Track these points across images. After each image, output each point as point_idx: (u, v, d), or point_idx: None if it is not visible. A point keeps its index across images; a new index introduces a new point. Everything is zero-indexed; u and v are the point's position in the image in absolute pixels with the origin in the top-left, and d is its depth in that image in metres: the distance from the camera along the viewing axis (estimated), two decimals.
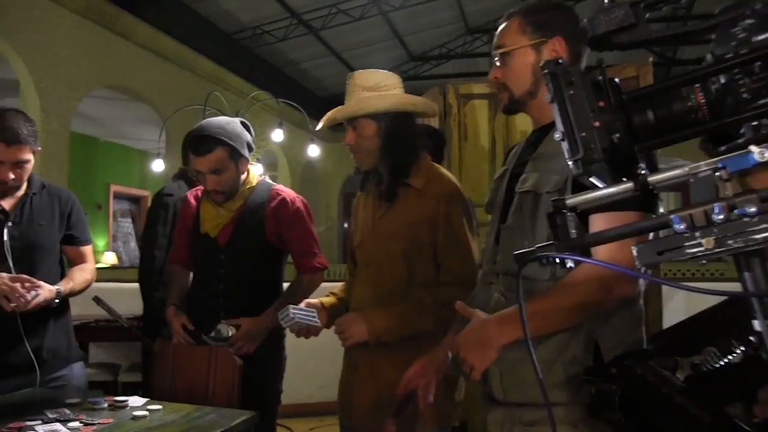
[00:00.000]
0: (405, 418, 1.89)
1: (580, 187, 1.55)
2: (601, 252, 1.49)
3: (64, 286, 2.54)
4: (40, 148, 2.61)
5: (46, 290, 2.42)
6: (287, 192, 2.82)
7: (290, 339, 3.34)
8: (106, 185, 13.85)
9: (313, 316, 2.34)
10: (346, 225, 18.22)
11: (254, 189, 2.77)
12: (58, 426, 1.87)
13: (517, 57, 1.73)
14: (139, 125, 12.89)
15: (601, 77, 0.98)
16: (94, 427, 1.86)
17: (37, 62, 7.63)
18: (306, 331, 2.37)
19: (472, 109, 4.05)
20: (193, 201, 2.84)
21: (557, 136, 0.97)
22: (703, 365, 1.04)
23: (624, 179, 0.94)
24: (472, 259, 2.26)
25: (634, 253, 0.88)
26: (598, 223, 1.52)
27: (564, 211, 0.97)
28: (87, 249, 2.78)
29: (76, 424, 1.91)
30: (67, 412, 2.02)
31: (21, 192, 2.62)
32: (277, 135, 5.62)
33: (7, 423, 1.89)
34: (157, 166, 7.37)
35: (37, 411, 2.02)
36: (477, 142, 4.04)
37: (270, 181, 2.95)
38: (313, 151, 5.78)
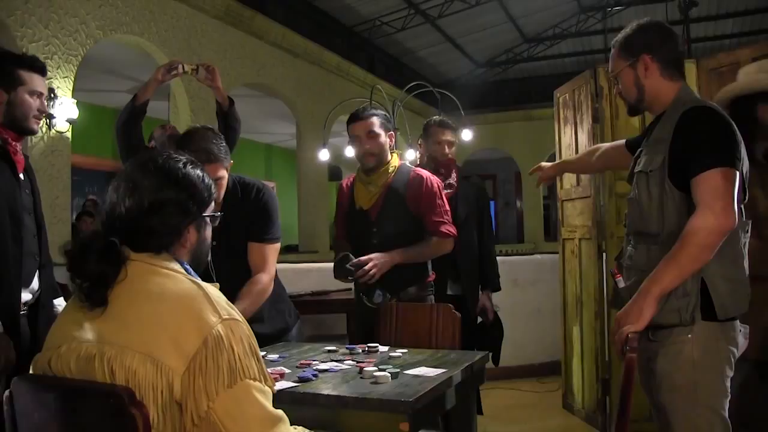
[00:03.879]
0: None
1: (677, 165, 2.11)
2: (708, 188, 1.98)
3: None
4: (231, 162, 2.66)
5: None
6: (425, 172, 3.29)
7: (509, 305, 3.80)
8: None
9: None
10: None
11: (398, 169, 3.25)
12: (334, 365, 2.34)
13: (623, 77, 2.29)
14: (266, 120, 13.63)
15: None
16: (364, 364, 2.31)
17: None
18: None
19: None
20: (345, 186, 3.40)
21: None
22: None
23: None
24: None
25: None
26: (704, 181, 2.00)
27: None
28: (269, 248, 2.74)
29: (350, 361, 2.38)
30: (340, 354, 2.50)
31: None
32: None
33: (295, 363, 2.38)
34: (323, 155, 7.89)
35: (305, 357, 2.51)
36: (627, 121, 4.29)
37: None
38: (467, 135, 6.14)
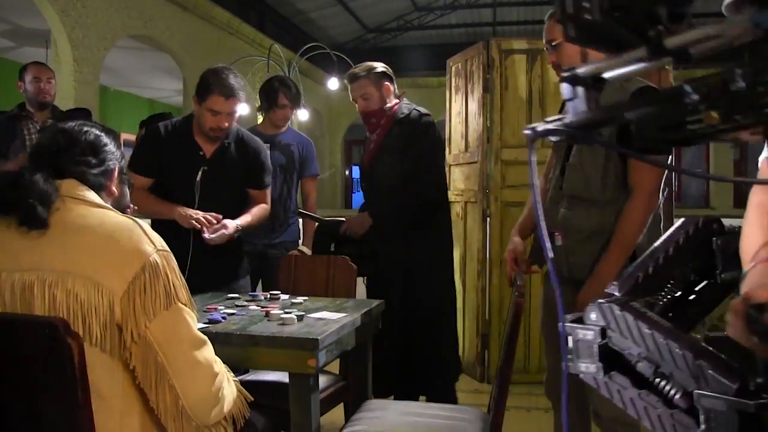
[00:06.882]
0: None
1: (626, 133, 2.26)
2: (648, 173, 2.24)
3: (243, 221, 2.97)
4: (243, 102, 3.03)
5: (231, 228, 2.86)
6: None
7: None
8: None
9: None
10: (347, 172, 18.81)
11: None
12: (239, 309, 2.45)
13: (567, 47, 2.36)
14: (150, 74, 13.25)
15: None
16: (269, 308, 2.43)
17: (69, 12, 7.88)
18: None
19: (512, 63, 4.57)
20: None
21: None
22: (660, 300, 0.98)
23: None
24: None
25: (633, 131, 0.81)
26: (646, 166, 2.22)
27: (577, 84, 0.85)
28: (268, 191, 3.21)
29: (254, 306, 2.50)
30: (244, 300, 2.61)
31: (220, 140, 3.01)
32: (333, 83, 6.12)
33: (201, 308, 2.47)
34: (242, 109, 7.76)
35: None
36: (516, 92, 4.57)
37: None
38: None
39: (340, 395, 2.86)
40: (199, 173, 2.97)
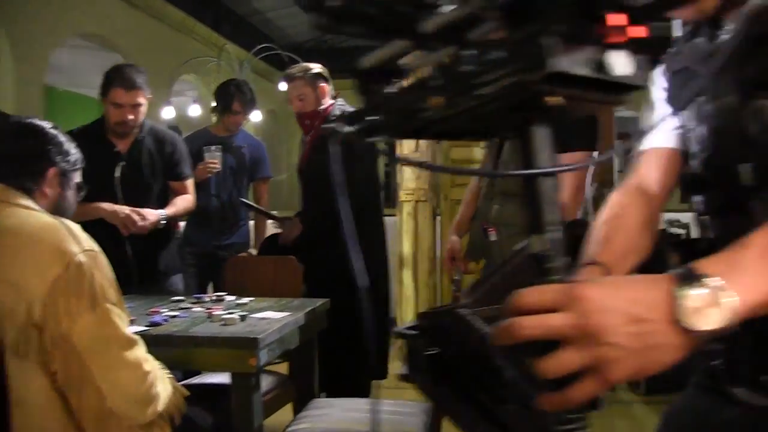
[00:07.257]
0: None
1: (562, 132, 2.36)
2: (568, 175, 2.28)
3: (168, 211, 3.08)
4: (150, 96, 3.08)
5: (153, 216, 2.95)
6: None
7: None
8: None
9: None
10: None
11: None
12: (182, 312, 2.44)
13: None
14: (101, 74, 13.01)
15: None
16: (213, 310, 2.43)
17: (7, 8, 7.57)
18: None
19: None
20: None
21: None
22: None
23: None
24: None
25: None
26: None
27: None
28: (189, 182, 3.29)
29: (199, 308, 2.49)
30: (188, 303, 2.60)
31: (133, 135, 3.07)
32: (284, 85, 6.09)
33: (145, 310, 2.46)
34: (168, 113, 7.75)
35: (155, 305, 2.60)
36: None
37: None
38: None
39: (288, 395, 2.87)
40: (118, 169, 3.02)
